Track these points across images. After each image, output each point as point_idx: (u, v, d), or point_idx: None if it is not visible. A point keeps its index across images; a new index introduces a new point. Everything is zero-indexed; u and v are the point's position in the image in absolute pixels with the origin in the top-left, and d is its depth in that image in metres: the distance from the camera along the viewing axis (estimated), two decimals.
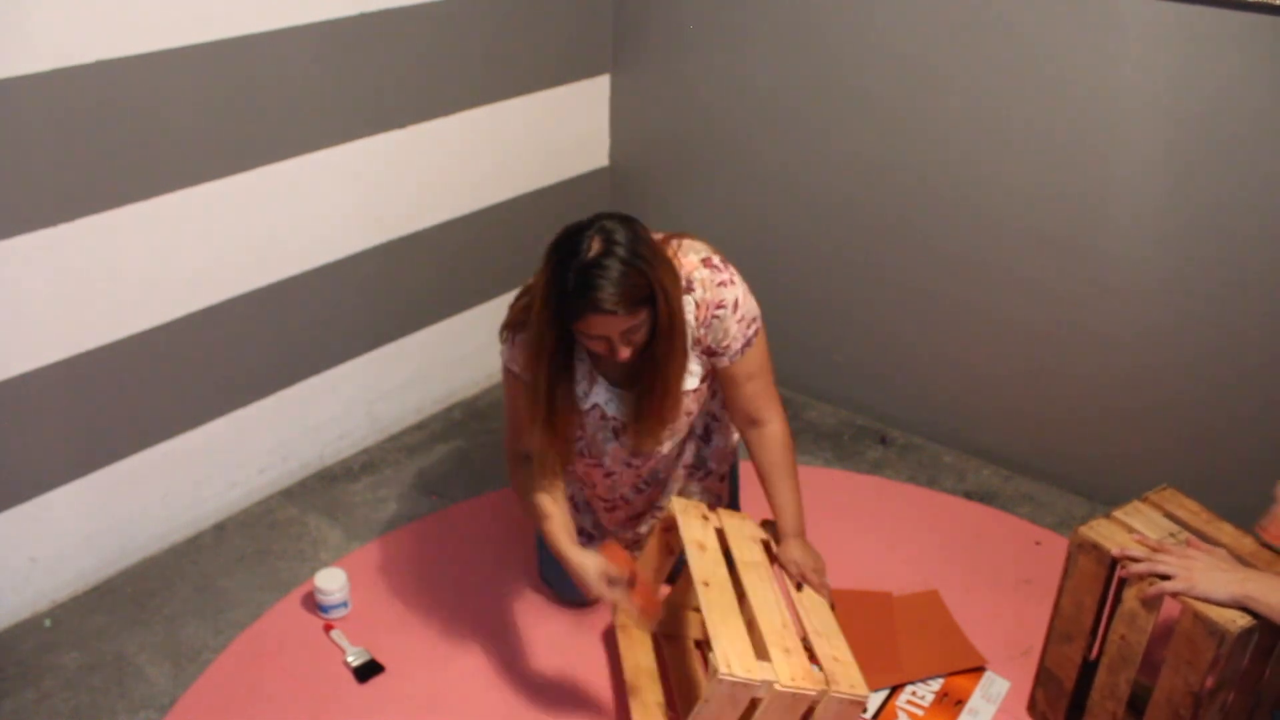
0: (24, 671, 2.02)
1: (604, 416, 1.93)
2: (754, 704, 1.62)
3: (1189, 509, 1.82)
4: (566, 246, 1.68)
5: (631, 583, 1.79)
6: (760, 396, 1.92)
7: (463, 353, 2.85)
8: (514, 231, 2.83)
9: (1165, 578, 1.60)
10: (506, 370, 1.94)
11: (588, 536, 2.16)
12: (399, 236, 2.56)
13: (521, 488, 1.93)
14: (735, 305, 1.83)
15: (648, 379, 1.82)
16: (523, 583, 2.24)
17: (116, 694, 1.98)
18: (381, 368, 2.65)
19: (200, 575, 2.26)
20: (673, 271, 1.75)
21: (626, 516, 2.15)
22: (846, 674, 1.68)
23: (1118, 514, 1.79)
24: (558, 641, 2.09)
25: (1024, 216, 2.41)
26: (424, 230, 2.61)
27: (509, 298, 2.91)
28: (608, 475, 2.04)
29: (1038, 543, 2.40)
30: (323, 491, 2.53)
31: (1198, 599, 1.57)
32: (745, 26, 2.64)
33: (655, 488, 2.11)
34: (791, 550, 1.90)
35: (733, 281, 1.84)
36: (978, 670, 2.05)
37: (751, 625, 1.71)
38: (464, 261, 2.75)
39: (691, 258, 1.84)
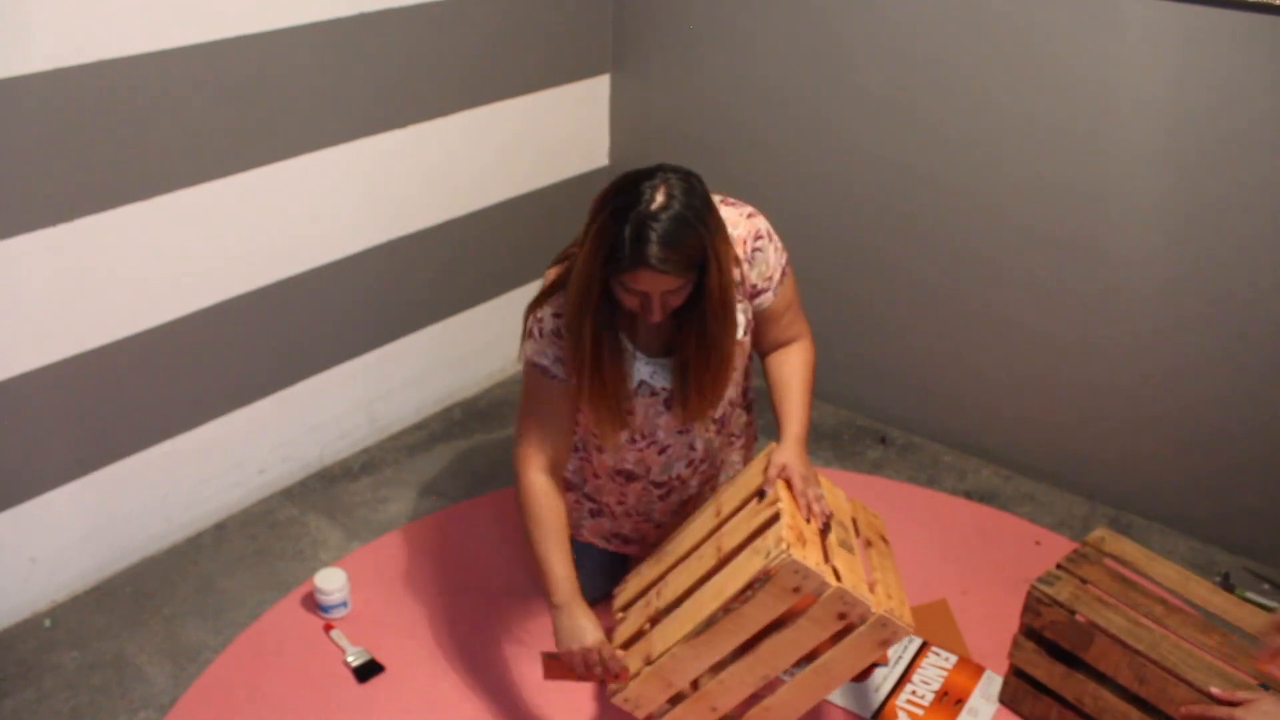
0: (24, 671, 2.02)
1: (653, 392, 1.85)
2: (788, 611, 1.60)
3: (1130, 553, 1.87)
4: (626, 193, 1.61)
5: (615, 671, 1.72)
6: (796, 322, 1.92)
7: (463, 353, 2.85)
8: (514, 231, 2.83)
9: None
10: (531, 365, 1.81)
11: (623, 540, 2.14)
12: (399, 236, 2.56)
13: (534, 504, 1.79)
14: (770, 233, 1.82)
15: (698, 349, 1.74)
16: (523, 583, 2.24)
17: (116, 694, 1.98)
18: (381, 368, 2.65)
19: (200, 575, 2.26)
20: (727, 240, 1.69)
21: (680, 501, 2.06)
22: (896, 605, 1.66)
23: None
24: None
25: (1026, 216, 2.41)
26: (424, 230, 2.61)
27: (509, 297, 2.96)
28: (662, 451, 1.95)
29: (1038, 543, 2.40)
30: (323, 491, 2.53)
31: None
32: (746, 25, 2.64)
33: (709, 466, 2.04)
34: (785, 453, 1.77)
35: (755, 211, 1.82)
36: (978, 670, 2.05)
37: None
38: (464, 261, 2.75)
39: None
